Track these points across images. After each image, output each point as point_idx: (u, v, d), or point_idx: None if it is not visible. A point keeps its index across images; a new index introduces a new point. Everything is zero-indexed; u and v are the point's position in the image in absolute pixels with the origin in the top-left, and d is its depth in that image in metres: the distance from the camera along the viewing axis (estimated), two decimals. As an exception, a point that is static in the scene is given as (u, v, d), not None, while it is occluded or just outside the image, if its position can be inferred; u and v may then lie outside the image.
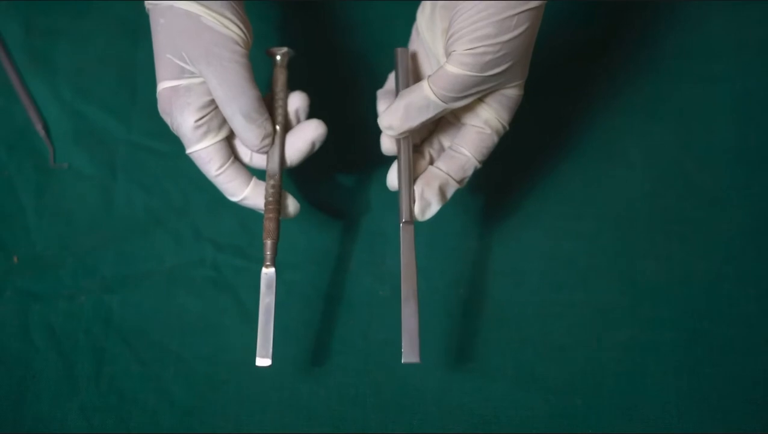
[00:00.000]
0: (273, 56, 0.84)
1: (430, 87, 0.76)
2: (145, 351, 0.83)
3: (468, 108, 0.79)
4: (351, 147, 0.91)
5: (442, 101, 0.76)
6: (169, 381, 0.82)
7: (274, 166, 0.79)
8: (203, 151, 0.78)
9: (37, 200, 0.88)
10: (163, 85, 0.77)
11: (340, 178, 0.90)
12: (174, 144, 0.87)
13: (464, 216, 0.88)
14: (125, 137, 0.91)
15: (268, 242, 0.78)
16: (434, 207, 0.79)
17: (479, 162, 0.79)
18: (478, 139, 0.79)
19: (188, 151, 0.79)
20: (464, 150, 0.79)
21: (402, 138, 0.79)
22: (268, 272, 0.77)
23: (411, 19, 0.83)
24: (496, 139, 0.79)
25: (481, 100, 0.78)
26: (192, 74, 0.77)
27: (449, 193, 0.79)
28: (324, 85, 0.91)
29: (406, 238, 0.77)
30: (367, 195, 0.89)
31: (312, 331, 0.84)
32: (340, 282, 0.85)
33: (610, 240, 0.87)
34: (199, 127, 0.78)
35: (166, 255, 0.86)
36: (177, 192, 0.89)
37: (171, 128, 0.78)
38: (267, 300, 0.77)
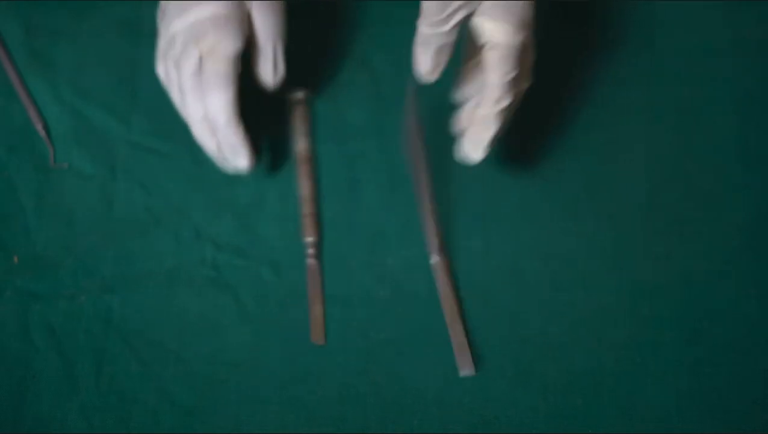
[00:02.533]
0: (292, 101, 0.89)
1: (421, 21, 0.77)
2: (145, 350, 0.83)
3: (475, 32, 0.79)
4: (348, 149, 0.91)
5: (436, 18, 0.77)
6: (169, 381, 0.82)
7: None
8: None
9: (37, 200, 0.88)
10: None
11: (338, 178, 0.90)
12: (174, 144, 0.89)
13: (462, 214, 0.88)
14: (125, 136, 0.91)
15: (308, 240, 0.84)
16: (477, 153, 0.81)
17: (507, 81, 0.79)
18: (492, 59, 0.79)
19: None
20: (486, 78, 0.79)
21: (421, 165, 0.82)
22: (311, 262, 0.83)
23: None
24: (513, 51, 0.78)
25: (480, 14, 0.78)
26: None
27: (492, 128, 0.80)
28: (323, 83, 0.92)
29: (439, 273, 0.83)
30: (367, 193, 0.89)
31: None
32: (339, 282, 0.85)
33: (610, 240, 0.87)
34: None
35: (166, 255, 0.86)
36: (177, 192, 0.89)
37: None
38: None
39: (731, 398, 0.81)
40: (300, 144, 0.89)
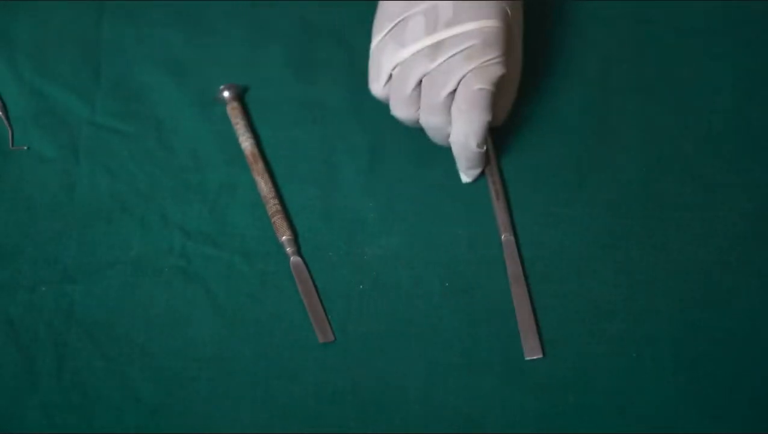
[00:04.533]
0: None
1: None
2: (109, 345, 0.81)
3: None
4: (328, 131, 0.90)
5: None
6: (135, 378, 0.80)
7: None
8: None
9: (-6, 185, 0.88)
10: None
11: (317, 162, 0.89)
12: (141, 125, 0.89)
13: (450, 203, 0.87)
14: (88, 117, 0.90)
15: (285, 239, 0.84)
16: (468, 179, 0.86)
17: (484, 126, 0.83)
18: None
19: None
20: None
21: (488, 147, 0.85)
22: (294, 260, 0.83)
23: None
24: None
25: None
26: None
27: (477, 166, 0.86)
28: (303, 70, 0.92)
29: (508, 251, 0.83)
30: (345, 181, 0.88)
31: (287, 325, 0.82)
32: (316, 273, 0.84)
33: (603, 227, 0.86)
34: None
35: (132, 243, 0.85)
36: (143, 176, 0.88)
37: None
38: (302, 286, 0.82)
39: (731, 395, 0.79)
40: (244, 143, 0.89)
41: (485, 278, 0.84)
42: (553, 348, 0.81)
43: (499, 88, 0.83)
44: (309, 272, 0.84)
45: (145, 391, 0.79)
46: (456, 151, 0.84)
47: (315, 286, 0.83)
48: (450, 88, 0.81)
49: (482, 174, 0.86)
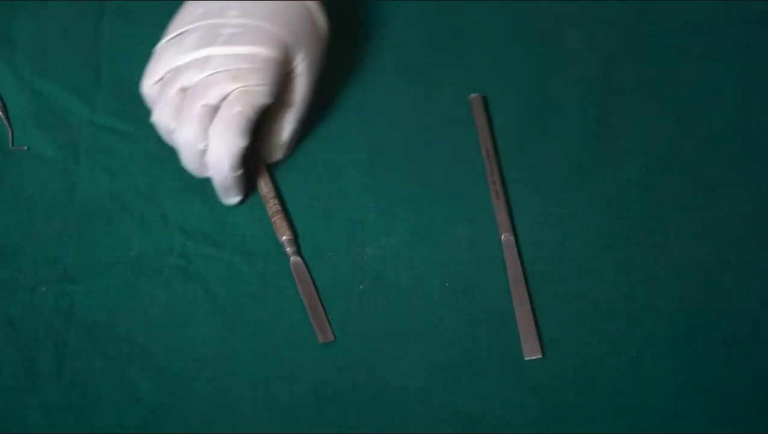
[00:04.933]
0: None
1: None
2: (109, 345, 0.81)
3: None
4: (328, 130, 0.90)
5: None
6: (135, 377, 0.80)
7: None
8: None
9: (-6, 185, 0.88)
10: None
11: (317, 162, 0.89)
12: (141, 125, 0.88)
13: (450, 203, 0.87)
14: (88, 117, 0.90)
15: (285, 239, 0.84)
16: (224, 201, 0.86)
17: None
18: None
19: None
20: None
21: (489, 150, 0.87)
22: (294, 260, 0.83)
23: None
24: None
25: None
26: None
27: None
28: None
29: (509, 251, 0.83)
30: (345, 181, 0.88)
31: (287, 325, 0.82)
32: (316, 273, 0.84)
33: (603, 227, 0.86)
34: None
35: (132, 243, 0.85)
36: (143, 176, 0.88)
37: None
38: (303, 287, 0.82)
39: (731, 395, 0.79)
40: None
41: (485, 278, 0.84)
42: (553, 348, 0.81)
43: (270, 120, 0.84)
44: (309, 272, 0.83)
45: (145, 391, 0.79)
46: (211, 172, 0.83)
47: (315, 286, 0.83)
48: (209, 101, 0.81)
49: (482, 174, 0.87)
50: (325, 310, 0.82)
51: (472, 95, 0.90)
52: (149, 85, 0.84)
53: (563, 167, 0.88)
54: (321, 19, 0.86)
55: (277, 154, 0.87)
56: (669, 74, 0.92)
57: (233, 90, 0.81)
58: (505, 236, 0.84)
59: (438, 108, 0.91)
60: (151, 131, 0.87)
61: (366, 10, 0.95)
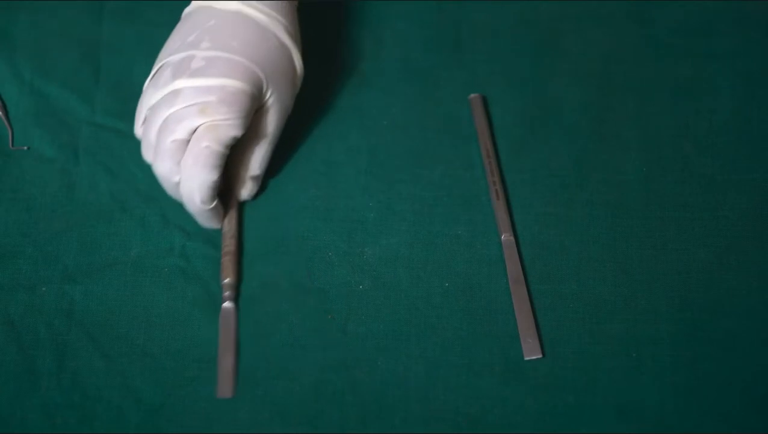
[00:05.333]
0: None
1: None
2: (109, 345, 0.81)
3: None
4: (328, 130, 0.90)
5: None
6: (135, 377, 0.80)
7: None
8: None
9: (-6, 185, 0.88)
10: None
11: (317, 162, 0.89)
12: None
13: (450, 203, 0.87)
14: (88, 117, 0.90)
15: (226, 281, 0.82)
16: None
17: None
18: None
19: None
20: None
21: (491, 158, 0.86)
22: (227, 306, 0.82)
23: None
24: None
25: None
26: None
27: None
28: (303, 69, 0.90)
29: (508, 251, 0.83)
30: (345, 181, 0.88)
31: (286, 325, 0.82)
32: (315, 273, 0.84)
33: (603, 227, 0.86)
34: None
35: (132, 243, 0.85)
36: (143, 176, 0.87)
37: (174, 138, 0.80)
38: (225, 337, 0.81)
39: (731, 396, 0.79)
40: None
41: (485, 278, 0.83)
42: (553, 348, 0.81)
43: (239, 154, 0.83)
44: (237, 323, 0.82)
45: (146, 391, 0.79)
46: (185, 203, 0.82)
47: (237, 339, 0.81)
48: (177, 136, 0.80)
49: (482, 173, 0.86)
50: (236, 366, 0.80)
51: (472, 95, 0.90)
52: (138, 127, 0.84)
53: (563, 167, 0.88)
54: (293, 51, 0.84)
55: (248, 189, 0.85)
56: (669, 74, 0.92)
57: (201, 124, 0.80)
58: (505, 236, 0.84)
59: (438, 108, 0.91)
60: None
61: (366, 10, 0.95)
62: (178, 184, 0.82)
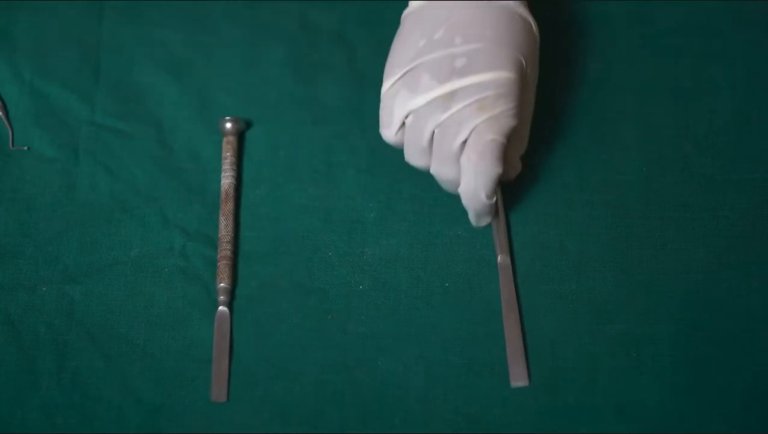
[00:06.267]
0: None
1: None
2: (110, 345, 0.81)
3: None
4: (328, 131, 0.90)
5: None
6: (135, 378, 0.80)
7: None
8: None
9: (-5, 185, 0.88)
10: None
11: (317, 162, 0.89)
12: (141, 125, 0.88)
13: (450, 203, 0.86)
14: (89, 117, 0.90)
15: (221, 286, 0.82)
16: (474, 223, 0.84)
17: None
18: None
19: None
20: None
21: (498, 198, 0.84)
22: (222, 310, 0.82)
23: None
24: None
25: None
26: None
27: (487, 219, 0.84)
28: (300, 67, 0.92)
29: (504, 275, 0.82)
30: (345, 181, 0.88)
31: (286, 325, 0.82)
32: (315, 273, 0.84)
33: (603, 228, 0.86)
34: None
35: (133, 243, 0.85)
36: (144, 176, 0.88)
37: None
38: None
39: (731, 395, 0.79)
40: (224, 180, 0.87)
41: (485, 278, 0.83)
42: (553, 348, 0.81)
43: (510, 140, 0.82)
44: (231, 328, 0.82)
45: (146, 391, 0.79)
46: (465, 201, 0.82)
47: (231, 343, 0.81)
48: (462, 138, 0.79)
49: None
50: (230, 370, 0.80)
51: None
52: (393, 135, 0.82)
53: (563, 167, 0.88)
54: (531, 19, 0.84)
55: (517, 169, 0.85)
56: (669, 74, 0.92)
57: (482, 120, 0.79)
58: (502, 258, 0.83)
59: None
60: (151, 132, 0.88)
61: (366, 10, 0.95)
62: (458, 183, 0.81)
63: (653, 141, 0.89)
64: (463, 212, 0.85)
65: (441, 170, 0.81)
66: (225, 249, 0.83)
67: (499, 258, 0.83)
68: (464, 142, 0.80)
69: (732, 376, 0.79)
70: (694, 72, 0.92)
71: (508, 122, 0.80)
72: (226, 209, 0.85)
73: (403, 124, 0.82)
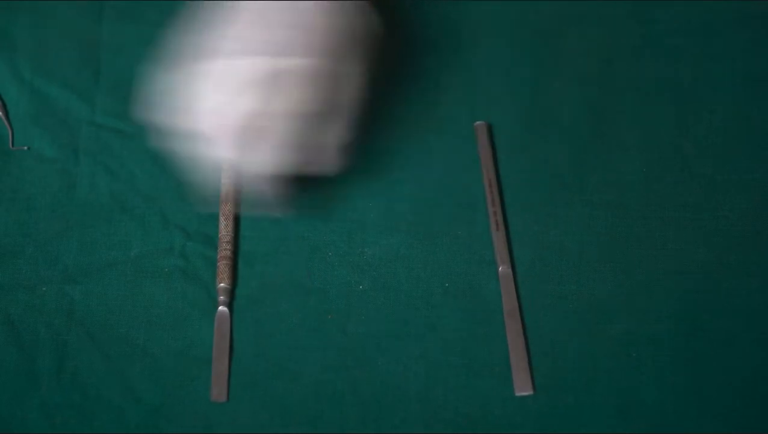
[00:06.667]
0: None
1: None
2: (109, 345, 0.81)
3: None
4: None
5: None
6: (135, 378, 0.80)
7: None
8: None
9: (-6, 185, 0.88)
10: None
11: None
12: (141, 125, 0.87)
13: (450, 203, 0.87)
14: (88, 117, 0.90)
15: (221, 286, 0.82)
16: None
17: None
18: None
19: None
20: None
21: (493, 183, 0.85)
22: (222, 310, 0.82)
23: None
24: None
25: None
26: None
27: None
28: None
29: (505, 285, 0.82)
30: (345, 180, 0.87)
31: (286, 325, 0.82)
32: (315, 273, 0.84)
33: (603, 228, 0.86)
34: None
35: (132, 243, 0.85)
36: (144, 176, 0.88)
37: None
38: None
39: (731, 395, 0.79)
40: (224, 180, 0.87)
41: (485, 278, 0.83)
42: (553, 348, 0.81)
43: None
44: (231, 328, 0.82)
45: (146, 391, 0.79)
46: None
47: (231, 343, 0.81)
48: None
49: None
50: (230, 370, 0.80)
51: (477, 123, 0.89)
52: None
53: (563, 167, 0.88)
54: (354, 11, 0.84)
55: (332, 158, 0.84)
56: (669, 74, 0.92)
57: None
58: (503, 268, 0.83)
59: (438, 108, 0.91)
60: (151, 132, 0.87)
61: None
62: None
63: (653, 141, 0.89)
64: (463, 212, 0.86)
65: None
66: (225, 249, 0.84)
67: (500, 269, 0.83)
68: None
69: (732, 376, 0.79)
70: (694, 72, 0.92)
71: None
72: (226, 209, 0.85)
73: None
